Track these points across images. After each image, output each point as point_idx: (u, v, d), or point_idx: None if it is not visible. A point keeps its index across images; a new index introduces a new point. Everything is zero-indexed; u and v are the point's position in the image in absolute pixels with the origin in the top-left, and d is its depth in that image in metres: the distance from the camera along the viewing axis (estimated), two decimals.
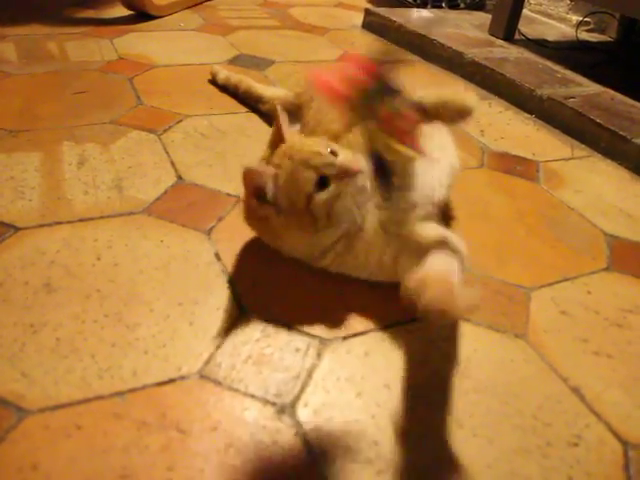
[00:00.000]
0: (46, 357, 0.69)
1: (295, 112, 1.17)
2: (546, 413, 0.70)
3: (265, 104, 1.28)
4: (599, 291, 0.91)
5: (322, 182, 0.76)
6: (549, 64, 1.70)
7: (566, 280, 0.93)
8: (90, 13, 1.89)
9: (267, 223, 0.80)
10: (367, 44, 1.91)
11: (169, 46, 1.67)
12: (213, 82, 1.44)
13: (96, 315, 0.75)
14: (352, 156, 0.79)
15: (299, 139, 0.83)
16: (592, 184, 1.22)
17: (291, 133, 0.85)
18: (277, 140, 0.84)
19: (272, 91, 1.31)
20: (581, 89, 1.53)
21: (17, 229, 0.88)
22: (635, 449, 0.68)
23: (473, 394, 0.71)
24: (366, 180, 0.79)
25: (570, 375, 0.76)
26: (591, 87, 1.56)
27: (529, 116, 1.49)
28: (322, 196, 0.76)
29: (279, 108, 0.87)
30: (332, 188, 0.76)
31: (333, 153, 0.79)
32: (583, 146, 1.37)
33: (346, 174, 0.77)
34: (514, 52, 1.76)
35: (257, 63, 1.62)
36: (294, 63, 1.66)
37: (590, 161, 1.32)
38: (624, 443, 0.68)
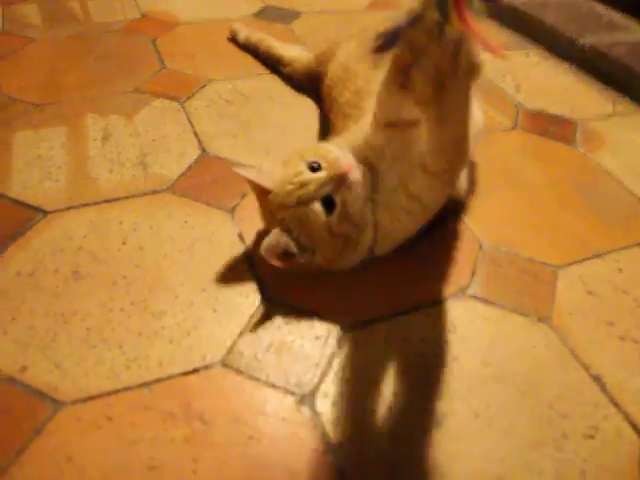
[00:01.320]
0: (77, 347, 0.72)
1: (314, 76, 1.14)
2: (564, 403, 0.70)
3: (286, 66, 1.25)
4: (630, 268, 0.89)
5: (327, 204, 0.74)
6: (594, 5, 1.58)
7: (596, 257, 0.90)
8: None
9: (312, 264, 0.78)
10: None
11: (193, 0, 1.62)
12: (234, 41, 1.40)
13: (123, 303, 0.78)
14: (335, 158, 0.75)
15: (278, 180, 0.77)
16: (632, 144, 1.16)
17: (268, 178, 0.78)
18: (265, 199, 0.79)
19: (292, 52, 1.27)
20: (629, 36, 1.43)
21: (46, 213, 0.90)
22: None
23: (492, 383, 0.72)
24: (357, 172, 0.76)
25: (593, 362, 0.75)
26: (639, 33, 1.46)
27: (570, 66, 1.41)
28: (335, 218, 0.74)
29: (243, 170, 0.80)
30: (338, 203, 0.74)
31: (317, 165, 0.75)
32: (626, 100, 1.30)
33: (341, 181, 0.74)
34: None
35: (282, 15, 1.57)
36: (321, 14, 1.60)
37: (632, 119, 1.25)
38: None
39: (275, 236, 0.74)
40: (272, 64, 1.30)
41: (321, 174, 0.74)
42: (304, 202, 0.74)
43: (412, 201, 0.79)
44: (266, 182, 0.77)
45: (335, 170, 0.74)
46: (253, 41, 1.34)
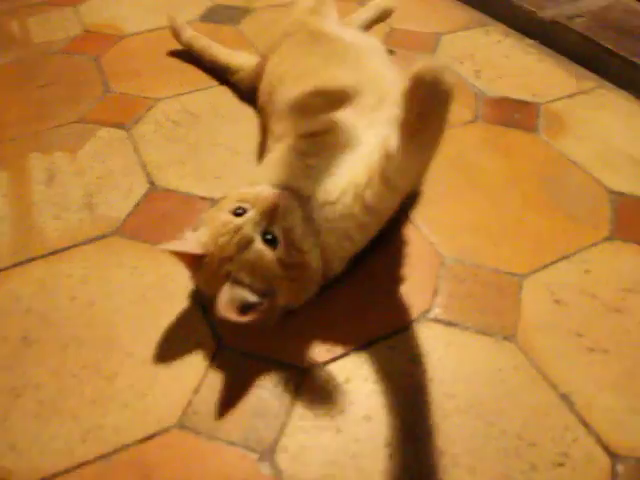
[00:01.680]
0: (30, 424, 0.70)
1: (255, 82, 1.10)
2: (532, 430, 0.69)
3: (233, 74, 1.20)
4: (598, 268, 0.86)
5: (268, 240, 0.71)
6: None
7: (564, 258, 0.88)
8: None
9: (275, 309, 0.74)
10: None
11: (138, 4, 1.55)
12: (177, 38, 1.34)
13: (75, 368, 0.75)
14: (256, 195, 0.73)
15: (207, 239, 0.72)
16: (598, 124, 1.12)
17: (195, 243, 0.73)
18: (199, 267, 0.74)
19: (239, 60, 1.22)
20: (590, 2, 1.38)
21: None
22: (624, 462, 0.66)
23: (457, 416, 0.70)
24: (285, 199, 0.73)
25: (561, 380, 0.73)
26: None
27: (532, 42, 1.36)
28: (282, 250, 0.71)
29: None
30: (279, 234, 0.71)
31: (241, 209, 0.73)
32: (591, 75, 1.25)
33: (273, 212, 0.71)
34: None
35: (231, 15, 1.50)
36: (274, 8, 1.53)
37: (597, 94, 1.21)
38: (613, 456, 0.66)
39: (227, 291, 0.69)
40: (218, 72, 1.25)
41: (251, 213, 0.72)
42: (245, 246, 0.70)
43: (367, 212, 0.75)
44: (195, 247, 0.73)
45: (263, 204, 0.72)
46: (197, 47, 1.29)
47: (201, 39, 1.29)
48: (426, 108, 0.63)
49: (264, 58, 1.09)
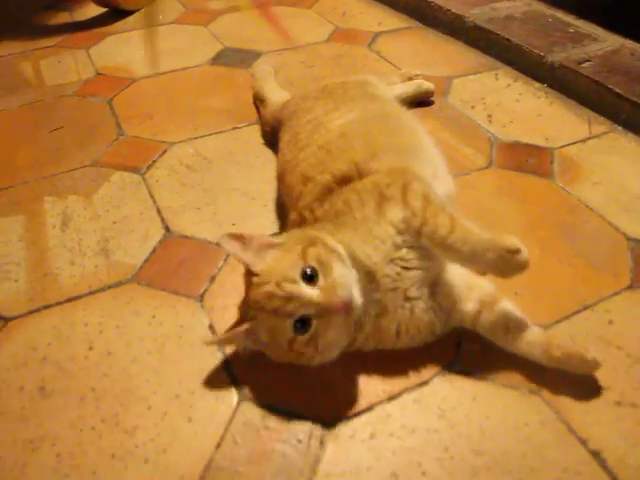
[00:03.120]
0: (48, 478, 0.68)
1: (277, 125, 1.10)
2: None
3: (265, 107, 1.22)
4: (622, 318, 0.85)
5: (301, 322, 0.68)
6: (560, 15, 1.55)
7: (586, 308, 0.87)
8: (64, 16, 1.79)
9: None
10: (360, 13, 1.77)
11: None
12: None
13: (93, 421, 0.74)
14: (334, 282, 0.69)
15: (268, 270, 0.71)
16: (612, 170, 1.13)
17: (256, 258, 0.72)
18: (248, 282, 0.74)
19: (275, 95, 1.24)
20: (597, 46, 1.40)
21: (6, 320, 0.86)
22: None
23: (485, 473, 0.68)
24: (349, 310, 0.69)
25: (590, 435, 0.72)
26: (608, 42, 1.42)
27: (541, 86, 1.38)
28: (301, 340, 0.69)
29: (227, 244, 0.73)
30: (312, 329, 0.68)
31: (313, 274, 0.69)
32: (602, 119, 1.26)
33: (327, 312, 0.68)
34: (520, 4, 1.61)
35: (242, 58, 1.52)
36: (281, 52, 1.55)
37: (610, 138, 1.22)
38: None
39: (232, 334, 0.72)
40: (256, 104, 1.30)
41: (311, 294, 0.68)
42: (279, 315, 0.68)
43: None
44: (253, 263, 0.71)
45: (326, 300, 0.67)
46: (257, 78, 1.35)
47: (267, 74, 1.35)
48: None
49: (297, 101, 1.09)
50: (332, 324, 0.68)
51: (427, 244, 0.75)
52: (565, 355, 0.75)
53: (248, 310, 0.72)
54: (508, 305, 0.80)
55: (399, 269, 0.75)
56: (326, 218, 0.79)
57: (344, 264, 0.71)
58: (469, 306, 0.79)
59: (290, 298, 0.67)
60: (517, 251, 0.71)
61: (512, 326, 0.78)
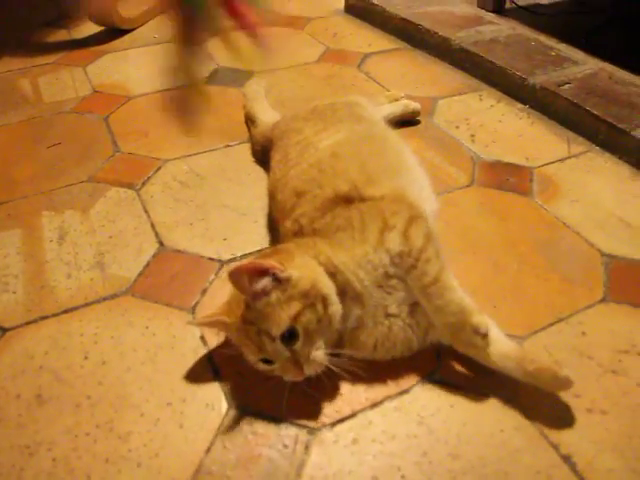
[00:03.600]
0: None
1: (267, 145, 1.14)
2: None
3: (256, 127, 1.26)
4: (594, 330, 0.89)
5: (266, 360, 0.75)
6: (542, 39, 1.61)
7: (560, 321, 0.91)
8: (62, 34, 1.84)
9: None
10: (350, 34, 1.83)
11: (144, 67, 1.62)
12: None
13: (88, 427, 0.77)
14: (306, 357, 0.73)
15: (260, 309, 0.73)
16: (589, 189, 1.17)
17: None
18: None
19: (265, 115, 1.29)
20: (577, 69, 1.45)
21: (4, 330, 0.89)
22: None
23: (462, 477, 0.72)
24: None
25: (562, 441, 0.75)
26: (587, 64, 1.48)
27: (523, 107, 1.43)
28: (264, 367, 0.76)
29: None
30: (275, 365, 0.75)
31: (291, 336, 0.73)
32: (581, 139, 1.32)
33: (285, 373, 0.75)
34: (505, 28, 1.67)
35: (235, 78, 1.56)
36: (273, 72, 1.60)
37: (587, 158, 1.27)
38: None
39: (214, 322, 0.78)
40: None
41: (280, 355, 0.73)
42: (249, 345, 0.75)
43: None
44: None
45: (289, 372, 0.75)
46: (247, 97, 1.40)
47: (258, 94, 1.40)
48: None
49: (287, 121, 1.14)
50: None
51: (410, 284, 0.80)
52: (538, 370, 0.77)
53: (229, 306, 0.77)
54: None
55: (385, 294, 0.80)
56: (325, 230, 0.83)
57: (329, 328, 0.76)
58: None
59: (261, 347, 0.73)
60: (479, 332, 0.76)
61: (488, 342, 0.80)
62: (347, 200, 0.86)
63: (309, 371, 0.74)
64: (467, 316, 0.76)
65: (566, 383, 0.77)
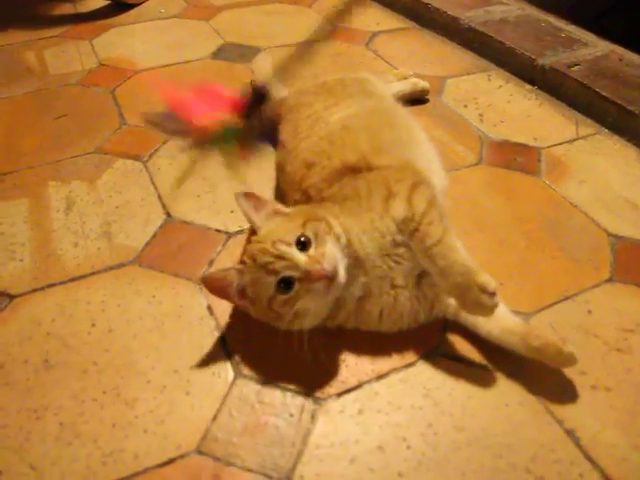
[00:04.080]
0: (51, 445, 0.72)
1: (275, 119, 1.14)
2: (539, 464, 0.71)
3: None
4: (600, 309, 0.90)
5: (285, 282, 0.73)
6: (552, 20, 1.59)
7: (567, 299, 0.91)
8: (67, 8, 1.83)
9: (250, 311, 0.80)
10: (359, 12, 1.82)
11: (150, 42, 1.61)
12: None
13: (95, 393, 0.77)
14: (322, 254, 0.74)
15: (269, 232, 0.77)
16: (597, 170, 1.17)
17: (263, 220, 0.80)
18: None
19: (273, 91, 1.25)
20: (587, 51, 1.44)
21: (12, 297, 0.89)
22: None
23: (466, 448, 0.72)
24: (331, 285, 0.73)
25: (566, 416, 0.76)
26: (598, 47, 1.47)
27: (532, 88, 1.42)
28: (280, 298, 0.74)
29: (243, 202, 0.80)
30: (293, 291, 0.73)
31: (306, 242, 0.74)
32: (589, 121, 1.31)
33: (308, 279, 0.72)
34: (514, 8, 1.66)
35: (242, 53, 1.56)
36: (281, 48, 1.59)
37: (596, 140, 1.26)
38: None
39: (224, 272, 0.78)
40: None
41: (299, 258, 0.73)
42: (267, 270, 0.74)
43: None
44: (259, 225, 0.79)
45: (311, 267, 0.72)
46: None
47: (265, 70, 1.39)
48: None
49: (296, 96, 1.13)
50: (312, 291, 0.73)
51: (414, 247, 0.79)
52: (543, 345, 0.77)
53: (241, 257, 0.79)
54: None
55: (392, 263, 0.80)
56: (333, 199, 0.83)
57: (338, 244, 0.75)
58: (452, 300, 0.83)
59: (280, 257, 0.73)
60: (487, 291, 0.74)
61: (493, 318, 0.80)
62: (355, 170, 0.86)
63: (328, 265, 0.72)
64: (473, 275, 0.75)
65: (570, 359, 0.77)
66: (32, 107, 1.33)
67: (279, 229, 0.77)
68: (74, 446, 0.72)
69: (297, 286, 0.73)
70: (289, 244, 0.74)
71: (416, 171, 0.87)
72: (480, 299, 0.74)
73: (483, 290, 0.74)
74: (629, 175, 1.16)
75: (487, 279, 0.75)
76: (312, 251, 0.74)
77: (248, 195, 0.80)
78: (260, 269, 0.74)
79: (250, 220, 0.80)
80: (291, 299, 0.73)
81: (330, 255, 0.73)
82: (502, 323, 0.81)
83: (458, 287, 0.76)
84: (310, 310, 0.75)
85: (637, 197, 1.10)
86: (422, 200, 0.80)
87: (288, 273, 0.73)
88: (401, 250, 0.79)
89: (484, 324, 0.82)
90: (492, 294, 0.74)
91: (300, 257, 0.73)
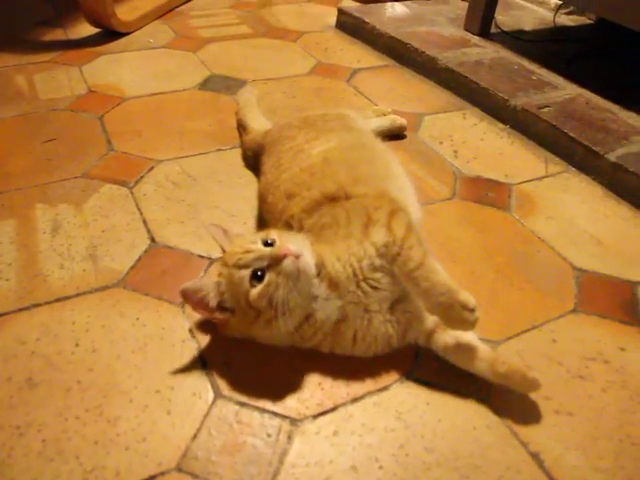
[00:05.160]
0: (33, 462, 0.73)
1: (258, 151, 1.18)
2: None
3: (247, 134, 1.31)
4: (564, 338, 0.94)
5: (258, 277, 0.79)
6: (525, 63, 1.68)
7: (533, 328, 0.96)
8: (58, 33, 1.87)
9: (229, 325, 0.84)
10: (341, 49, 1.89)
11: (139, 70, 1.65)
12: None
13: (78, 410, 0.79)
14: (285, 242, 0.80)
15: (236, 245, 0.84)
16: (564, 207, 1.24)
17: (230, 242, 0.88)
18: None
19: (256, 123, 1.33)
20: (556, 94, 1.52)
21: None
22: None
23: (436, 469, 0.76)
24: (298, 263, 0.78)
25: (530, 439, 0.80)
26: (567, 90, 1.55)
27: (504, 127, 1.49)
28: (255, 290, 0.78)
29: (212, 230, 0.91)
30: (265, 280, 0.78)
31: (272, 243, 0.81)
32: (558, 160, 1.38)
33: (275, 262, 0.78)
34: (489, 51, 1.74)
35: (228, 85, 1.61)
36: (266, 82, 1.65)
37: (564, 178, 1.33)
38: None
39: (202, 282, 0.83)
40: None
41: (265, 249, 0.80)
42: (238, 266, 0.79)
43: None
44: (225, 244, 0.87)
45: (277, 251, 0.79)
46: (240, 105, 1.45)
47: (240, 110, 1.42)
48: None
49: (279, 129, 1.18)
50: (283, 274, 0.78)
51: (396, 272, 0.84)
52: (509, 371, 0.82)
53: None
54: None
55: (368, 288, 0.84)
56: (312, 229, 0.88)
57: (298, 241, 0.83)
58: (425, 325, 0.87)
59: (248, 251, 0.79)
60: (468, 308, 0.80)
61: (462, 345, 0.85)
62: (333, 199, 0.91)
63: (292, 246, 0.79)
64: (455, 294, 0.80)
65: (535, 385, 0.81)
66: (21, 130, 1.36)
67: (246, 240, 0.84)
68: (56, 462, 0.73)
69: (269, 275, 0.78)
70: (254, 242, 0.82)
71: (392, 199, 0.92)
72: (463, 316, 0.80)
73: (464, 307, 0.79)
74: (594, 212, 1.23)
75: (467, 297, 0.80)
76: (277, 243, 0.81)
77: (216, 226, 0.90)
78: (232, 269, 0.80)
79: (219, 243, 0.88)
80: (266, 288, 0.78)
81: (295, 242, 0.81)
82: (471, 350, 0.85)
83: (441, 306, 0.80)
84: (288, 301, 0.79)
85: (601, 233, 1.17)
86: (401, 225, 0.85)
87: (258, 264, 0.79)
88: (378, 275, 0.84)
89: (453, 351, 0.86)
90: (472, 310, 0.80)
91: (265, 249, 0.80)
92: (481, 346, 0.86)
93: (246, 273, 0.79)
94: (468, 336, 0.86)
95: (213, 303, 0.81)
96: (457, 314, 0.80)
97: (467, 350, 0.85)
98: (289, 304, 0.79)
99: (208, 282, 0.82)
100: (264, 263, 0.79)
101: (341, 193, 0.91)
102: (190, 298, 0.82)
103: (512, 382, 0.82)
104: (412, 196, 1.03)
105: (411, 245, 0.83)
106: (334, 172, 0.95)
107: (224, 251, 0.86)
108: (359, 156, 1.02)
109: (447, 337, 0.86)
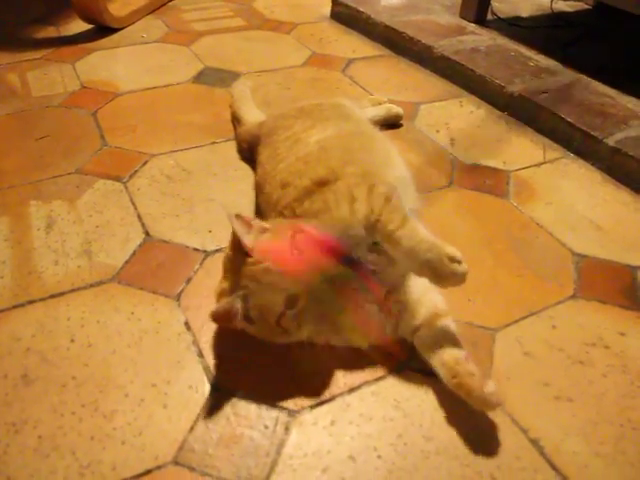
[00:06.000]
0: (29, 458, 0.73)
1: (254, 142, 1.17)
2: (505, 472, 0.74)
3: (242, 126, 1.30)
4: (564, 324, 0.94)
5: (290, 299, 0.76)
6: (522, 50, 1.67)
7: (532, 314, 0.95)
8: (51, 31, 1.86)
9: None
10: (336, 40, 1.87)
11: (132, 65, 1.65)
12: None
13: (74, 406, 0.79)
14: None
15: (262, 251, 0.78)
16: (563, 192, 1.22)
17: (254, 239, 0.79)
18: (236, 265, 0.79)
19: (251, 115, 1.32)
20: (554, 79, 1.51)
21: None
22: None
23: (435, 457, 0.75)
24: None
25: (530, 425, 0.79)
26: (565, 75, 1.54)
27: (501, 114, 1.48)
28: (290, 314, 0.77)
29: (235, 222, 0.79)
30: (300, 304, 0.76)
31: None
32: (556, 146, 1.37)
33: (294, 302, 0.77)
34: (486, 39, 1.73)
35: (222, 78, 1.60)
36: (260, 74, 1.64)
37: (562, 164, 1.32)
38: None
39: (232, 304, 0.76)
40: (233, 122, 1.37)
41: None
42: (272, 289, 0.76)
43: None
44: (249, 245, 0.77)
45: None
46: (234, 97, 1.43)
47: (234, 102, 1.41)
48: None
49: (275, 119, 1.17)
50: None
51: (379, 238, 0.82)
52: (458, 384, 0.78)
53: (240, 282, 0.78)
54: (447, 324, 0.86)
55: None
56: (306, 216, 0.86)
57: None
58: (412, 321, 0.86)
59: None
60: (456, 259, 0.78)
61: (434, 346, 0.82)
62: (322, 183, 0.89)
63: None
64: (441, 249, 0.79)
65: (490, 404, 0.77)
66: (15, 128, 1.35)
67: (272, 246, 0.78)
68: (52, 458, 0.73)
69: (301, 302, 0.76)
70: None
71: (374, 173, 0.91)
72: (453, 268, 0.78)
73: (452, 259, 0.78)
74: (593, 197, 1.22)
75: (453, 249, 0.79)
76: None
77: (240, 218, 0.79)
78: (265, 289, 0.76)
79: (244, 242, 0.78)
80: (300, 311, 0.77)
81: None
82: (440, 354, 0.82)
83: (429, 263, 0.79)
84: (314, 318, 0.79)
85: (600, 218, 1.16)
86: (379, 196, 0.84)
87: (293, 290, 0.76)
88: (372, 256, 0.83)
89: (425, 350, 0.84)
90: (460, 262, 0.78)
91: None
92: (451, 351, 0.82)
93: (281, 297, 0.76)
94: (452, 334, 0.84)
95: (240, 317, 0.78)
96: (447, 268, 0.78)
97: (437, 352, 0.82)
98: (313, 322, 0.80)
99: (235, 301, 0.77)
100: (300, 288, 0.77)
101: (331, 177, 0.90)
102: (220, 320, 0.78)
103: (466, 397, 0.78)
104: (410, 185, 1.02)
105: (390, 210, 0.82)
106: (328, 158, 0.94)
107: (235, 249, 0.80)
108: (358, 143, 1.01)
109: (432, 332, 0.85)
